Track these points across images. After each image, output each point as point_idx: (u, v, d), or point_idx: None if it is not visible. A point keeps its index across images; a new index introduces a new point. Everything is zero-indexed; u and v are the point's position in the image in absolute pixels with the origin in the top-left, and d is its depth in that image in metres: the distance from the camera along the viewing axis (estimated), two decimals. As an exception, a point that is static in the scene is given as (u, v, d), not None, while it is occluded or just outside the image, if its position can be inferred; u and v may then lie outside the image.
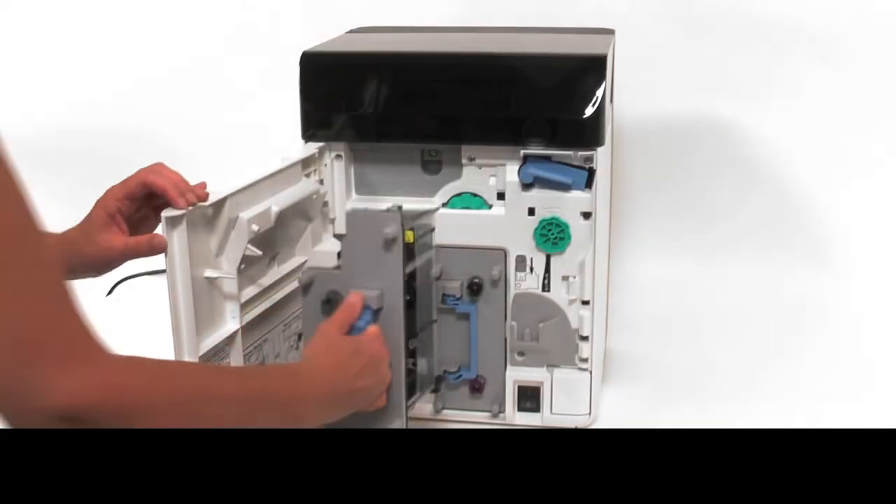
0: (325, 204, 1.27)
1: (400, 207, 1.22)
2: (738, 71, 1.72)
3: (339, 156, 1.27)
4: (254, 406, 0.88)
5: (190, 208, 1.01)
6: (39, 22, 1.91)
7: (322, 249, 1.27)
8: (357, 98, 1.25)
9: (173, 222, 1.00)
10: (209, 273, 1.06)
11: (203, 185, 1.06)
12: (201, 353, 1.05)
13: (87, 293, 1.02)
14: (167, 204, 1.02)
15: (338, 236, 1.29)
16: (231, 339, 1.11)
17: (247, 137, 1.82)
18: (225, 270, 1.08)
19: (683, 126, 1.75)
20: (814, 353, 1.51)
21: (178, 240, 1.00)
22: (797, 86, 1.73)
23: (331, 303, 1.13)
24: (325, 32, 1.41)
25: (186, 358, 1.03)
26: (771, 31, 1.70)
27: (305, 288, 1.15)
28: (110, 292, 1.70)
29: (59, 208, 1.85)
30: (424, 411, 1.34)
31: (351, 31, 1.47)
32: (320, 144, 1.26)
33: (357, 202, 1.29)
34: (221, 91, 1.86)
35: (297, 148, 1.26)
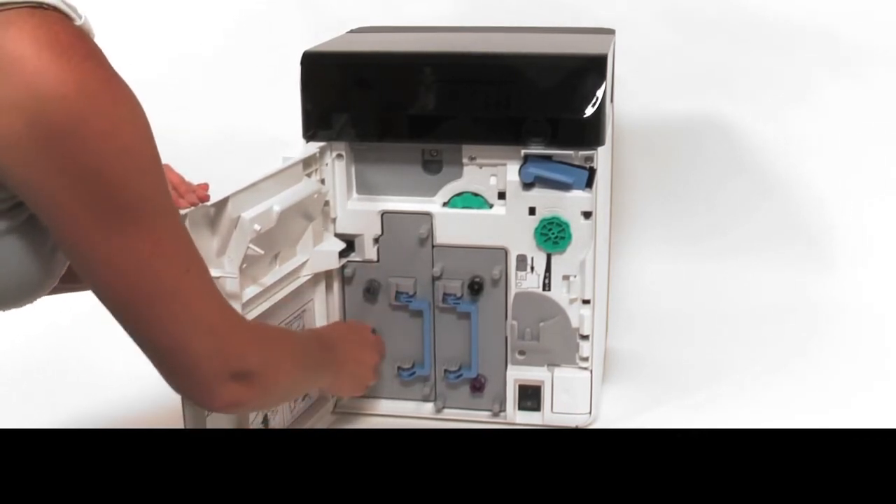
0: (326, 203, 1.27)
1: None
2: (738, 70, 1.72)
3: (339, 155, 1.27)
4: (315, 368, 1.12)
5: (191, 208, 1.01)
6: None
7: (323, 249, 1.27)
8: (357, 98, 1.25)
9: None
10: (212, 272, 1.06)
11: (205, 187, 1.06)
12: None
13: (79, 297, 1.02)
14: None
15: (339, 235, 1.29)
16: None
17: (247, 137, 1.83)
18: (227, 270, 1.08)
19: (683, 126, 1.75)
20: (815, 354, 1.51)
21: None
22: (798, 85, 1.73)
23: (370, 290, 1.29)
24: (325, 32, 1.41)
25: None
26: (772, 31, 1.70)
27: (348, 279, 1.29)
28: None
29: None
30: (424, 411, 1.34)
31: (351, 31, 1.47)
32: (321, 144, 1.26)
33: (358, 202, 1.29)
34: (221, 91, 1.85)
35: (298, 148, 1.26)
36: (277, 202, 1.13)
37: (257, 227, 1.09)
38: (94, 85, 0.78)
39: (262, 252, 1.12)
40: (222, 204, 1.06)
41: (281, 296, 1.20)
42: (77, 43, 0.78)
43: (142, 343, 0.87)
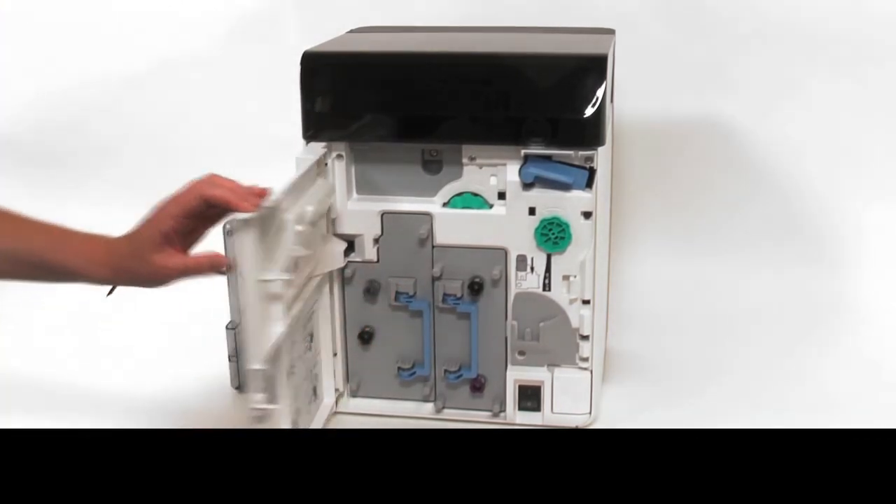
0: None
1: None
2: (739, 70, 1.72)
3: (339, 155, 1.27)
4: None
5: (256, 212, 1.01)
6: (42, 17, 1.91)
7: (330, 249, 1.27)
8: (357, 98, 1.25)
9: (244, 225, 0.99)
10: (263, 276, 1.06)
11: (255, 187, 1.05)
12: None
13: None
14: (219, 215, 1.00)
15: (339, 236, 1.29)
16: (279, 341, 1.10)
17: (247, 137, 1.83)
18: (275, 272, 1.07)
19: (683, 126, 1.75)
20: (815, 354, 1.51)
21: (248, 243, 0.99)
22: (799, 85, 1.73)
23: (370, 291, 1.29)
24: (325, 32, 1.41)
25: (254, 364, 1.03)
26: (772, 30, 1.70)
27: (348, 280, 1.29)
28: (111, 292, 1.70)
29: (58, 205, 1.85)
30: (424, 411, 1.34)
31: (351, 31, 1.48)
32: (322, 144, 1.26)
33: (358, 202, 1.29)
34: (221, 91, 1.86)
35: (298, 148, 1.26)
36: (307, 202, 1.13)
37: (299, 228, 1.08)
38: None
39: (308, 252, 1.11)
40: (275, 206, 1.06)
41: (307, 295, 1.20)
42: None
43: None
